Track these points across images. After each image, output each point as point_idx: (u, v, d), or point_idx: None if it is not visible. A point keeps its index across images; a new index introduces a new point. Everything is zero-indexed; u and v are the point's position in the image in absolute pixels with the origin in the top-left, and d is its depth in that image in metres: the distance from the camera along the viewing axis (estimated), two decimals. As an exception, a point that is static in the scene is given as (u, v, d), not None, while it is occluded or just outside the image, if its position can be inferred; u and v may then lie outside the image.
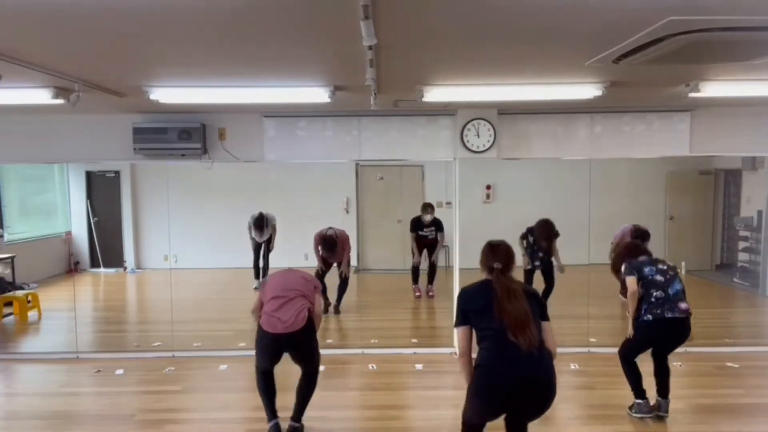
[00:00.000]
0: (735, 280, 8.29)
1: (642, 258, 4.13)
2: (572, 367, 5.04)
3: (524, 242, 6.56)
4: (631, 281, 3.99)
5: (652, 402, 4.07)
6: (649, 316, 3.91)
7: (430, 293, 7.70)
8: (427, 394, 4.61)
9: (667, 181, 8.13)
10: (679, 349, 5.03)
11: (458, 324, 2.85)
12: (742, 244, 8.35)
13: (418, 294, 7.73)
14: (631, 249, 4.26)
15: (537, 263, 6.57)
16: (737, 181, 8.50)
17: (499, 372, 2.68)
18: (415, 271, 7.68)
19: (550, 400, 2.71)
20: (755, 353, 5.38)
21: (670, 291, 3.91)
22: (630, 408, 4.12)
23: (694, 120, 5.43)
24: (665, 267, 4.03)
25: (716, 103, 5.21)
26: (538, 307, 2.80)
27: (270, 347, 3.69)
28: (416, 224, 7.57)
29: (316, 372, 3.81)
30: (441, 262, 7.74)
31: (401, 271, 8.40)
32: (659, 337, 3.98)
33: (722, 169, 8.60)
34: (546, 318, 2.81)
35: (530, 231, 6.54)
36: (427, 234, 7.52)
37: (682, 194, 8.10)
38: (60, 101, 4.06)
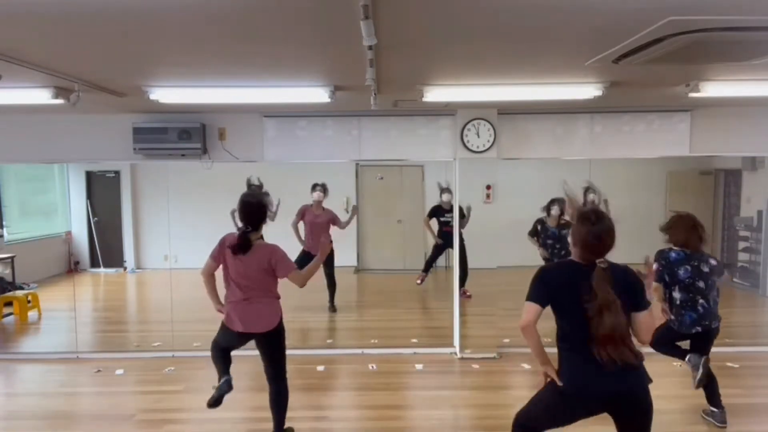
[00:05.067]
0: (735, 280, 8.28)
1: (673, 252, 3.52)
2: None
3: (537, 236, 6.36)
4: (657, 288, 3.53)
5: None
6: (699, 328, 3.54)
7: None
8: (427, 394, 4.60)
9: (667, 181, 8.12)
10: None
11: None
12: (742, 244, 8.34)
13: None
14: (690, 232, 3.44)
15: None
16: (737, 181, 8.50)
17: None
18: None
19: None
20: (755, 353, 5.38)
21: (711, 302, 3.54)
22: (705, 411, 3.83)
23: (694, 120, 5.43)
24: (707, 269, 3.51)
25: (716, 103, 5.21)
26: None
27: None
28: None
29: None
30: (441, 261, 7.69)
31: (401, 271, 8.40)
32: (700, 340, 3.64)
33: (722, 169, 8.60)
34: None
35: (540, 221, 6.36)
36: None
37: (682, 194, 8.08)
38: (60, 101, 4.06)
